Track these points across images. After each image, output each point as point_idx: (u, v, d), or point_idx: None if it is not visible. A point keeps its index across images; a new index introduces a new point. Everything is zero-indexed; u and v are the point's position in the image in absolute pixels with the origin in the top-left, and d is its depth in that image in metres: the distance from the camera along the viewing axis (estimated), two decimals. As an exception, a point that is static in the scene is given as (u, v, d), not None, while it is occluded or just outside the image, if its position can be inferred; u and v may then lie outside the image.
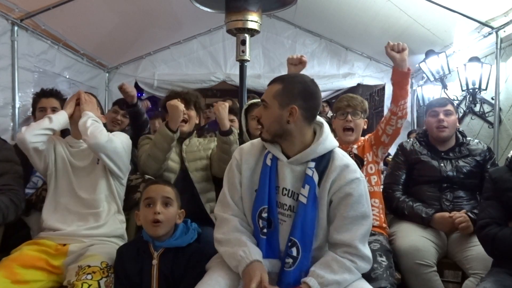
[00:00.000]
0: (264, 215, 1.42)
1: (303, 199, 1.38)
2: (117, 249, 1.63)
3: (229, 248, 1.41)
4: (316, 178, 1.40)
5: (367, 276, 1.67)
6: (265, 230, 1.43)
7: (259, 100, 1.73)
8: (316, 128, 1.50)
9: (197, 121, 2.25)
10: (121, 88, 2.74)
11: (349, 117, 2.11)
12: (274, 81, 1.48)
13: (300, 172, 1.43)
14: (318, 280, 1.33)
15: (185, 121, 2.14)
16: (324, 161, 1.42)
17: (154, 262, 1.55)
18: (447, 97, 3.73)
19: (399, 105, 1.98)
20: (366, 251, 1.41)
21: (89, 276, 1.48)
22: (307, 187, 1.39)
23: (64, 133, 2.44)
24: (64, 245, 1.73)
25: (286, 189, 1.44)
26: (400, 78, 1.95)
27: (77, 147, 1.96)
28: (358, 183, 1.41)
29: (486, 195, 1.81)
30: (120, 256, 1.60)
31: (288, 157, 1.45)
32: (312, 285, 1.32)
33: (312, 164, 1.41)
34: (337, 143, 1.49)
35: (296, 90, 1.42)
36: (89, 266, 1.53)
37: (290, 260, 1.38)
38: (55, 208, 1.84)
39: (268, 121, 1.44)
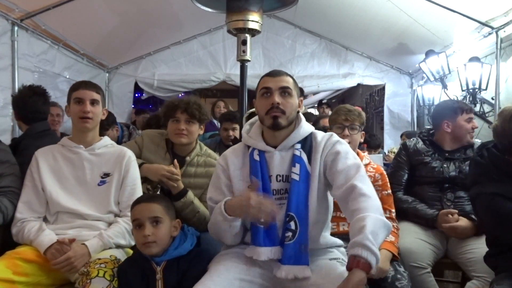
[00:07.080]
0: None
1: (296, 177, 1.49)
2: (118, 268, 1.56)
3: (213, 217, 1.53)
4: (304, 157, 1.52)
5: (391, 285, 1.71)
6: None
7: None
8: None
9: (201, 132, 2.09)
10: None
11: (347, 131, 2.03)
12: (283, 73, 1.57)
13: (289, 157, 1.54)
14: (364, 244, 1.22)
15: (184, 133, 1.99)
16: (308, 142, 1.56)
17: (158, 276, 1.53)
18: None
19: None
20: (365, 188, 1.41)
21: (103, 265, 1.51)
22: (297, 165, 1.50)
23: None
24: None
25: (280, 175, 1.53)
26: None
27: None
28: (341, 143, 1.55)
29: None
30: (124, 275, 1.53)
31: (274, 147, 1.54)
32: (365, 256, 1.21)
33: (298, 146, 1.54)
34: (313, 127, 1.61)
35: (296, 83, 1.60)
36: (99, 259, 1.56)
37: (290, 234, 1.45)
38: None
39: (291, 109, 1.53)
